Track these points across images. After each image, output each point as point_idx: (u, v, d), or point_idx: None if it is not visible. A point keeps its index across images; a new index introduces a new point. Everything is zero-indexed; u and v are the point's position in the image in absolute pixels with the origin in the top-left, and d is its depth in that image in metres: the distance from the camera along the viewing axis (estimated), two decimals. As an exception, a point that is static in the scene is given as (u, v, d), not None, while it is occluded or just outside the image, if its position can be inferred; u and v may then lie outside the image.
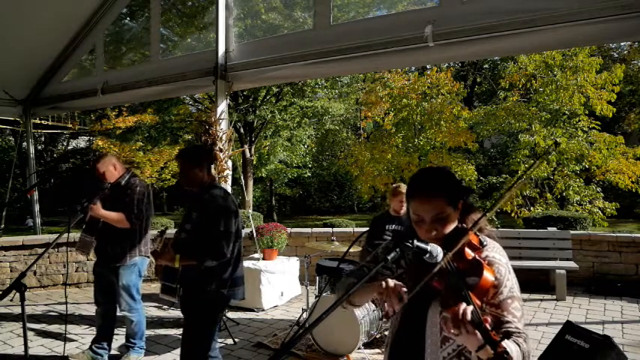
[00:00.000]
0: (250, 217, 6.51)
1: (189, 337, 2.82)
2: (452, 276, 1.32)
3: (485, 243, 1.48)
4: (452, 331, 1.21)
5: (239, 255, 2.90)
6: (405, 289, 1.34)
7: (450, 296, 1.29)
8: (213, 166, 5.03)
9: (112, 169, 3.78)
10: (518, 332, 1.36)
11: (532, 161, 10.42)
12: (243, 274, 2.97)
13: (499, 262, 1.45)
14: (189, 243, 2.79)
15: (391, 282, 1.36)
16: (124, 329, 4.72)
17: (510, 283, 1.42)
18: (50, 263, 6.55)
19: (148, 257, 3.92)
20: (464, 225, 1.53)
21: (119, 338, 4.37)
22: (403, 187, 4.54)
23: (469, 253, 1.39)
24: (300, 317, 4.84)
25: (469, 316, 1.18)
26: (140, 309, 3.91)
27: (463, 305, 1.20)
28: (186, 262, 2.68)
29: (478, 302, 1.26)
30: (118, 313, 3.92)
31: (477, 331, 1.16)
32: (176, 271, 2.79)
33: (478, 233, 1.51)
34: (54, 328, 4.86)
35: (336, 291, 1.74)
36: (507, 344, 1.20)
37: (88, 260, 6.48)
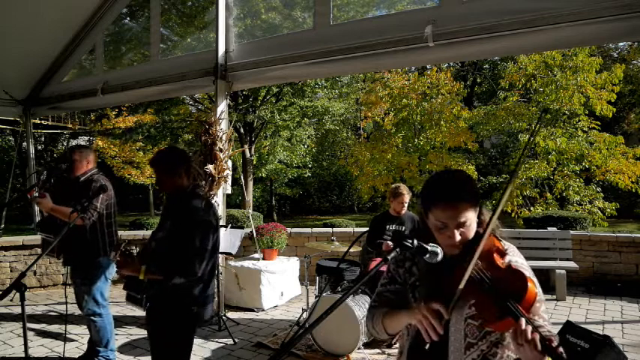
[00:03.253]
0: (250, 217, 6.51)
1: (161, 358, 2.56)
2: (492, 287, 1.27)
3: (506, 247, 1.44)
4: (519, 342, 1.19)
5: (212, 272, 2.63)
6: (438, 306, 1.30)
7: (494, 311, 1.24)
8: (212, 166, 5.04)
9: (85, 163, 3.66)
10: (551, 335, 1.33)
11: (532, 161, 10.43)
12: (214, 292, 2.73)
13: (523, 267, 1.42)
14: (158, 255, 2.49)
15: (424, 306, 1.33)
16: (125, 329, 4.74)
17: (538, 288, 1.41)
18: (50, 263, 6.55)
19: None
20: (480, 230, 1.48)
21: (119, 337, 4.37)
22: (403, 188, 4.54)
23: (499, 259, 1.35)
24: (300, 317, 4.84)
25: (539, 345, 1.16)
26: (105, 314, 3.70)
27: (524, 324, 1.18)
28: (153, 275, 2.40)
29: (527, 315, 1.22)
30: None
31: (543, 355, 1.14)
32: (141, 281, 2.47)
33: (498, 236, 1.48)
34: (54, 328, 4.85)
35: (368, 320, 1.64)
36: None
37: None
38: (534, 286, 1.28)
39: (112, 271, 3.76)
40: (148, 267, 2.39)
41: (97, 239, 3.61)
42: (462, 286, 1.28)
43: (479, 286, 1.30)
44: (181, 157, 2.67)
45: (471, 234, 1.44)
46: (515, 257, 1.45)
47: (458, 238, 1.41)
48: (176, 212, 2.56)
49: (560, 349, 1.12)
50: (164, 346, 2.54)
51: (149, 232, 7.40)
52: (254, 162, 16.26)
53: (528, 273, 1.40)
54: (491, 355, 1.39)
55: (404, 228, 4.50)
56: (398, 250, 1.36)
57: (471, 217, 1.42)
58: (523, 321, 1.18)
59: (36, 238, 6.53)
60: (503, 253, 1.39)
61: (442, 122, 11.22)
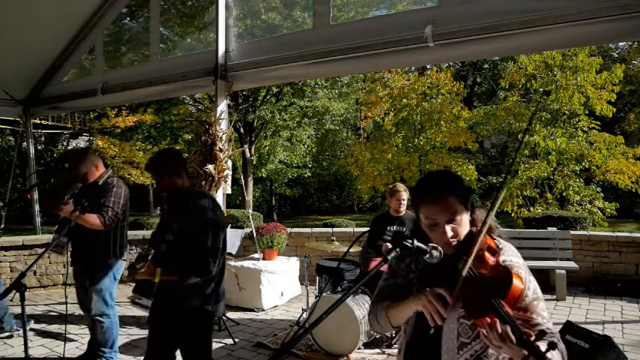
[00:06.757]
0: (250, 217, 6.51)
1: None
2: (478, 283, 1.28)
3: (501, 246, 1.45)
4: (494, 343, 1.19)
5: (222, 270, 2.70)
6: (443, 291, 1.31)
7: (478, 306, 1.25)
8: (212, 166, 5.05)
9: (94, 170, 3.65)
10: (551, 332, 1.34)
11: (532, 161, 10.43)
12: (224, 289, 2.75)
13: (518, 265, 1.43)
14: (171, 256, 2.52)
15: (429, 291, 1.35)
16: (125, 329, 4.74)
17: (533, 285, 1.41)
18: (50, 263, 6.55)
19: (125, 260, 3.76)
20: (474, 229, 1.49)
21: (120, 337, 4.36)
22: (400, 186, 4.55)
23: (490, 257, 1.36)
24: (300, 317, 4.84)
25: (513, 338, 1.15)
26: (113, 315, 3.71)
27: (499, 324, 1.17)
28: (168, 277, 2.43)
29: (510, 311, 1.22)
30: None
31: (520, 348, 1.13)
32: (153, 284, 2.51)
33: (493, 236, 1.48)
34: (54, 328, 4.86)
35: (371, 315, 1.65)
36: (552, 354, 1.16)
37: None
38: (520, 282, 1.28)
39: (120, 271, 3.78)
40: (163, 269, 2.41)
41: (110, 241, 3.63)
42: (457, 287, 1.29)
43: (468, 282, 1.31)
44: (175, 158, 2.73)
45: (463, 230, 1.45)
46: (509, 257, 1.45)
47: (450, 234, 1.43)
48: (184, 213, 2.60)
49: (539, 344, 1.12)
50: (191, 349, 2.58)
51: (149, 232, 7.41)
52: (254, 162, 16.27)
53: (523, 272, 1.41)
54: (485, 356, 1.39)
55: (404, 228, 4.49)
56: (398, 250, 1.36)
57: (460, 212, 1.44)
58: (498, 324, 1.18)
59: (36, 238, 6.53)
60: (495, 252, 1.40)
61: (442, 122, 11.22)
